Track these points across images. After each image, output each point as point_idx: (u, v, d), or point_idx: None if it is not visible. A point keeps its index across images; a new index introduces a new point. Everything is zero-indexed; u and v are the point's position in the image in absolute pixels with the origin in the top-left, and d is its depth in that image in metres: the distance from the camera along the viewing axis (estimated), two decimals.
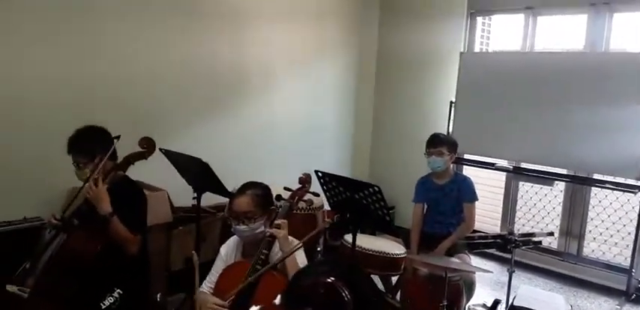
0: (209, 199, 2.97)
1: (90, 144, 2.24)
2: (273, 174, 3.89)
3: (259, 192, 1.93)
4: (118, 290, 2.14)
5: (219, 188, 2.66)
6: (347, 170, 4.65)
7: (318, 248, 2.96)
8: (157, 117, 3.35)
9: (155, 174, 2.82)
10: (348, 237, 2.67)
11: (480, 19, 4.41)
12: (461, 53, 4.15)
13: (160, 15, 3.31)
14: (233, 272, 1.81)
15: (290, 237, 1.86)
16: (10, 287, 2.05)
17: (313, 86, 4.38)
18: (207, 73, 3.61)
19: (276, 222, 1.84)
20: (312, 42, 4.28)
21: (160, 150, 2.60)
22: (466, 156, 4.19)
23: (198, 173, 2.68)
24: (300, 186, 1.98)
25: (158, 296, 2.27)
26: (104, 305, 2.09)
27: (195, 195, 2.76)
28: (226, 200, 3.04)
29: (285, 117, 4.16)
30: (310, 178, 2.08)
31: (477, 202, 3.04)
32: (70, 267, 2.06)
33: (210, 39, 3.59)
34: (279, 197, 1.97)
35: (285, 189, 2.01)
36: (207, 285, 2.03)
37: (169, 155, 2.75)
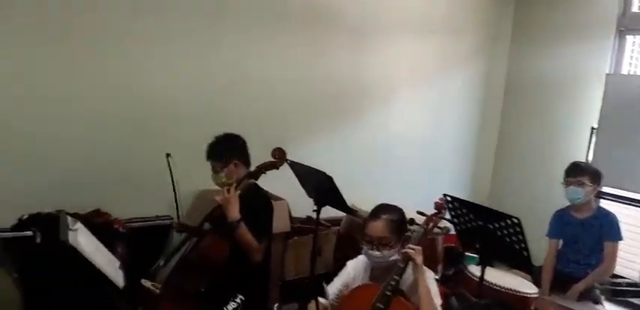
0: (325, 212, 2.95)
1: (227, 150, 2.33)
2: (391, 190, 3.79)
3: (395, 217, 1.85)
4: (240, 296, 2.18)
5: (339, 203, 2.62)
6: (465, 192, 4.41)
7: (436, 277, 2.80)
8: (279, 129, 3.43)
9: (275, 183, 2.87)
10: (473, 269, 2.49)
11: (630, 38, 3.98)
12: (607, 75, 3.76)
13: (288, 29, 3.40)
14: (361, 295, 1.74)
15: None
16: (144, 282, 2.18)
17: (435, 103, 4.23)
18: (329, 86, 3.64)
19: (410, 248, 1.73)
20: (436, 56, 4.14)
21: (286, 161, 2.64)
22: (606, 190, 3.77)
23: (320, 186, 2.68)
24: (436, 211, 1.87)
25: (275, 306, 2.28)
26: (227, 309, 2.14)
27: (316, 207, 2.75)
28: (342, 214, 3.02)
29: (404, 133, 4.06)
30: (446, 204, 1.96)
31: (620, 242, 2.71)
32: (199, 269, 2.14)
33: (332, 51, 3.61)
34: (412, 221, 1.88)
35: (419, 213, 1.91)
36: (332, 292, 1.97)
37: (294, 166, 2.77)
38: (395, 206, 1.91)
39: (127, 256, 2.53)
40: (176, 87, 3.06)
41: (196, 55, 3.11)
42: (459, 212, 2.35)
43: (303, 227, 3.23)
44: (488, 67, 4.44)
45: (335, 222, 3.27)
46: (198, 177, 3.03)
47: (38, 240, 2.39)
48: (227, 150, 2.33)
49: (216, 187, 2.38)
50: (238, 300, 2.15)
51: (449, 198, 2.35)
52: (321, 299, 1.93)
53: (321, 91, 3.61)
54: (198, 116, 3.11)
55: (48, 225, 2.41)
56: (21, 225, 2.48)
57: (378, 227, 1.80)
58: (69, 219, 2.11)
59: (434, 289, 1.73)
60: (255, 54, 3.30)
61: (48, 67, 2.71)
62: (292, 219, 3.16)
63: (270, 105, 3.41)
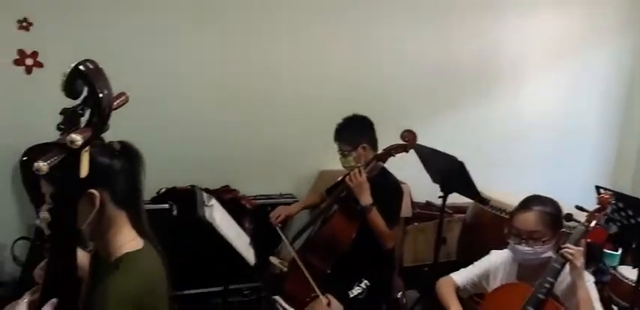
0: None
1: (355, 132, 2.27)
2: (525, 177, 3.55)
3: (549, 209, 1.65)
4: (366, 282, 2.13)
5: (469, 190, 2.45)
6: (605, 182, 3.97)
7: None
8: (400, 112, 3.29)
9: (397, 166, 2.78)
10: (624, 271, 2.20)
11: None
12: None
13: (413, 12, 3.24)
14: (508, 294, 1.59)
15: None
16: (273, 259, 2.22)
17: (572, 84, 3.81)
18: (451, 67, 3.40)
19: (569, 248, 1.54)
20: (574, 31, 3.69)
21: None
22: None
23: (448, 172, 2.52)
24: (599, 207, 1.64)
25: (399, 294, 2.22)
26: (352, 293, 2.11)
27: (441, 193, 2.61)
28: (467, 201, 2.85)
29: (536, 117, 3.71)
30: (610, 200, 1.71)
31: None
32: (325, 250, 2.12)
33: (457, 31, 3.37)
34: (569, 217, 1.67)
35: (578, 208, 1.69)
36: (466, 277, 1.84)
37: (421, 150, 2.64)
38: (549, 198, 1.70)
39: (253, 232, 2.61)
40: (308, 65, 3.06)
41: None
42: (614, 207, 2.09)
43: (423, 212, 3.10)
44: (636, 43, 3.89)
45: (458, 209, 3.09)
46: (320, 156, 3.08)
47: (174, 213, 2.54)
48: (356, 132, 2.26)
49: (339, 168, 2.35)
50: (363, 285, 2.11)
51: (601, 191, 2.09)
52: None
53: (444, 72, 3.40)
54: (327, 96, 3.08)
55: (183, 199, 2.56)
56: (158, 198, 2.66)
57: (529, 219, 1.62)
58: (204, 194, 2.19)
59: (594, 295, 1.53)
60: (375, 36, 3.19)
61: (192, 53, 2.82)
62: (413, 204, 3.05)
63: (393, 87, 3.28)
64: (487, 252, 1.86)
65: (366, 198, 2.09)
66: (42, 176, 1.12)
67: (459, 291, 1.81)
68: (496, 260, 1.78)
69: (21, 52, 2.59)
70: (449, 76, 3.42)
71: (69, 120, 1.67)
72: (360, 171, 2.11)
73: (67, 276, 1.05)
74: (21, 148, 2.60)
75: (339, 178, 2.29)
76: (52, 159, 0.96)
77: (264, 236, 2.44)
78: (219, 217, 2.05)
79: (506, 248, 1.73)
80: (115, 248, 1.14)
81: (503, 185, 2.92)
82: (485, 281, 1.80)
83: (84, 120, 1.05)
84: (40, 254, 2.45)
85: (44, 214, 1.13)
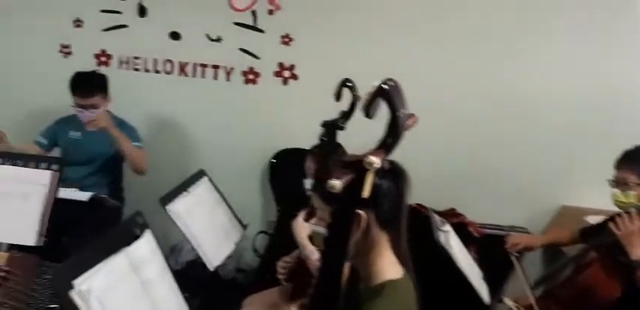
0: None
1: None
2: None
3: None
4: None
5: None
6: None
7: None
8: None
9: None
10: None
11: None
12: None
13: None
14: None
15: None
16: (507, 301, 1.99)
17: None
18: None
19: None
20: None
21: None
22: None
23: None
24: None
25: None
26: None
27: None
28: None
29: None
30: None
31: None
32: (576, 305, 1.81)
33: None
34: None
35: None
36: None
37: None
38: None
39: (478, 263, 2.41)
40: (563, 91, 2.69)
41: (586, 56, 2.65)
42: None
43: None
44: None
45: None
46: (562, 188, 2.70)
47: None
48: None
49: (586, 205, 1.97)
50: None
51: None
52: None
53: None
54: (579, 120, 2.67)
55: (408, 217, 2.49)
56: None
57: None
58: (437, 217, 2.08)
59: None
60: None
61: (420, 67, 2.75)
62: None
63: None
64: None
65: (638, 252, 1.71)
66: (314, 191, 1.15)
67: None
68: None
69: (281, 65, 2.87)
70: None
71: (329, 132, 1.76)
72: (634, 216, 1.73)
73: (333, 293, 1.06)
74: (272, 150, 2.89)
75: (601, 219, 1.93)
76: (346, 179, 0.96)
77: (489, 270, 2.22)
78: (455, 244, 1.92)
79: None
80: (376, 272, 1.10)
81: None
82: None
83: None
84: (277, 248, 2.69)
85: (316, 227, 1.16)
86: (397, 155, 1.00)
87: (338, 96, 1.60)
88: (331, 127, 1.71)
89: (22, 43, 2.95)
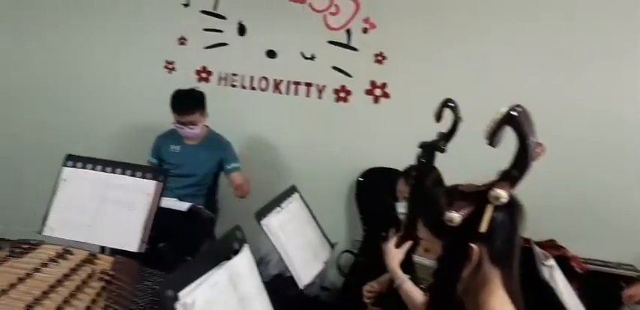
0: None
1: None
2: None
3: None
4: None
5: None
6: None
7: None
8: None
9: None
10: None
11: None
12: None
13: None
14: None
15: None
16: None
17: None
18: None
19: None
20: None
21: None
22: None
23: None
24: None
25: None
26: None
27: None
28: None
29: None
30: None
31: None
32: None
33: None
34: None
35: None
36: None
37: None
38: None
39: (582, 301, 2.21)
40: None
41: None
42: None
43: None
44: None
45: None
46: None
47: None
48: None
49: None
50: None
51: None
52: None
53: None
54: None
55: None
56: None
57: None
58: (540, 250, 1.93)
59: None
60: None
61: (522, 88, 2.62)
62: None
63: None
64: None
65: None
66: (425, 224, 1.11)
67: None
68: None
69: (373, 83, 2.86)
70: None
71: (428, 154, 1.70)
72: None
73: None
74: (359, 169, 2.87)
75: None
76: (466, 211, 0.91)
77: None
78: (560, 281, 1.77)
79: None
80: None
81: None
82: None
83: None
84: (361, 269, 2.64)
85: (421, 259, 1.11)
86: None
87: (438, 117, 1.55)
88: (430, 149, 1.65)
89: (129, 59, 3.17)
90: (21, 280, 1.66)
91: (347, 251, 2.84)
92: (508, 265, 1.07)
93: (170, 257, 2.21)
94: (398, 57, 2.78)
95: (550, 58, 2.55)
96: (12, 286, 1.62)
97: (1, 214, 3.34)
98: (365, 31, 2.81)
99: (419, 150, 1.62)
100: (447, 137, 1.58)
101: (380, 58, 2.81)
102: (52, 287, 1.62)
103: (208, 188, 2.77)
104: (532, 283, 1.67)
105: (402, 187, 1.88)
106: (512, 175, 0.89)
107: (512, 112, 0.89)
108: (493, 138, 0.91)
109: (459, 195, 0.96)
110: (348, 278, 2.74)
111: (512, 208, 1.05)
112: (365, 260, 2.69)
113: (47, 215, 2.02)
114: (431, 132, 1.59)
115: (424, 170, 1.62)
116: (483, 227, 0.92)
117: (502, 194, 0.84)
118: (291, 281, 2.05)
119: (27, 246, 1.89)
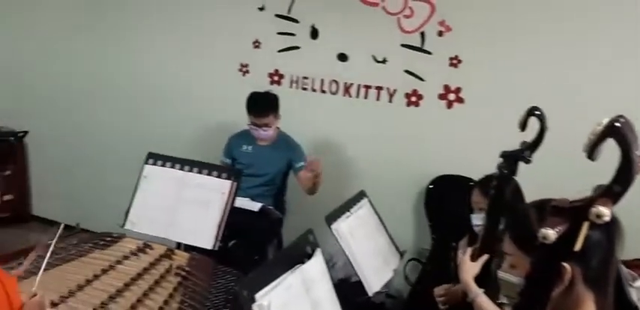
0: None
1: None
2: None
3: None
4: None
5: None
6: None
7: None
8: None
9: None
10: None
11: None
12: None
13: None
14: None
15: None
16: None
17: None
18: None
19: None
20: None
21: None
22: None
23: None
24: None
25: None
26: None
27: None
28: None
29: None
30: None
31: None
32: None
33: None
34: None
35: None
36: None
37: None
38: None
39: None
40: None
41: None
42: None
43: None
44: None
45: None
46: None
47: None
48: None
49: None
50: None
51: None
52: None
53: None
54: None
55: None
56: None
57: None
58: (626, 271, 1.80)
59: None
60: None
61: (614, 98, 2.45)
62: None
63: None
64: None
65: None
66: (513, 236, 1.06)
67: None
68: None
69: (446, 88, 2.79)
70: None
71: (510, 164, 1.62)
72: None
73: None
74: (429, 176, 2.80)
75: None
76: (561, 228, 0.85)
77: None
78: None
79: None
80: None
81: None
82: None
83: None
84: (429, 278, 2.59)
85: (506, 276, 1.06)
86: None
87: (523, 126, 1.47)
88: (513, 159, 1.58)
89: (204, 62, 3.28)
90: (104, 271, 1.77)
91: (414, 259, 2.79)
92: (603, 288, 1.01)
93: (238, 255, 2.27)
94: (474, 60, 2.69)
95: None
96: (96, 277, 1.72)
97: (86, 208, 3.57)
98: (440, 34, 2.74)
99: (500, 160, 1.55)
100: (532, 147, 1.51)
101: (455, 61, 2.73)
102: (133, 280, 1.72)
103: (277, 189, 2.81)
104: (620, 305, 1.56)
105: (478, 198, 1.81)
106: (614, 191, 0.83)
107: (615, 123, 0.83)
108: (593, 151, 0.85)
109: (552, 210, 0.91)
110: (415, 287, 2.68)
111: (611, 226, 0.98)
112: (433, 270, 2.63)
113: (129, 210, 2.13)
114: (507, 140, 1.52)
115: (505, 181, 1.55)
116: (578, 245, 0.86)
117: (605, 212, 0.78)
118: (357, 286, 2.03)
119: (110, 239, 2.02)
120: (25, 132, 3.75)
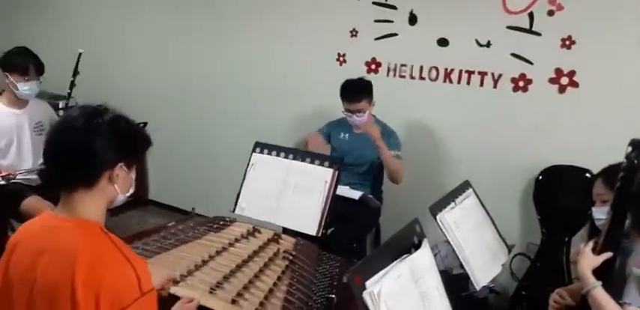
0: None
1: None
2: None
3: None
4: None
5: None
6: None
7: None
8: None
9: None
10: None
11: None
12: None
13: None
14: None
15: None
16: None
17: None
18: None
19: None
20: None
21: None
22: None
23: None
24: None
25: None
26: None
27: None
28: None
29: None
30: None
31: None
32: None
33: None
34: None
35: None
36: None
37: None
38: None
39: None
40: None
41: None
42: None
43: None
44: None
45: None
46: None
47: None
48: None
49: None
50: None
51: None
52: None
53: None
54: None
55: None
56: None
57: None
58: None
59: None
60: None
61: None
62: None
63: None
64: None
65: None
66: None
67: None
68: None
69: (558, 71, 2.59)
70: None
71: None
72: None
73: None
74: (539, 166, 2.64)
75: None
76: None
77: None
78: None
79: None
80: None
81: None
82: None
83: None
84: (538, 274, 2.46)
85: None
86: None
87: None
88: None
89: (302, 52, 3.32)
90: (218, 253, 1.88)
91: (521, 253, 2.65)
92: None
93: (337, 243, 2.30)
94: (590, 41, 2.47)
95: None
96: (211, 258, 1.84)
97: (201, 194, 3.81)
98: (550, 13, 2.55)
99: (629, 149, 1.42)
100: None
101: (568, 42, 2.53)
102: (244, 262, 1.81)
103: (375, 177, 2.81)
104: None
105: (601, 190, 1.67)
106: None
107: None
108: None
109: None
110: (522, 283, 2.56)
111: None
112: (542, 266, 2.49)
113: (239, 195, 2.25)
114: (625, 127, 1.38)
115: (634, 172, 1.42)
116: None
117: None
118: (460, 279, 1.98)
119: (222, 223, 2.15)
120: (145, 123, 4.06)
